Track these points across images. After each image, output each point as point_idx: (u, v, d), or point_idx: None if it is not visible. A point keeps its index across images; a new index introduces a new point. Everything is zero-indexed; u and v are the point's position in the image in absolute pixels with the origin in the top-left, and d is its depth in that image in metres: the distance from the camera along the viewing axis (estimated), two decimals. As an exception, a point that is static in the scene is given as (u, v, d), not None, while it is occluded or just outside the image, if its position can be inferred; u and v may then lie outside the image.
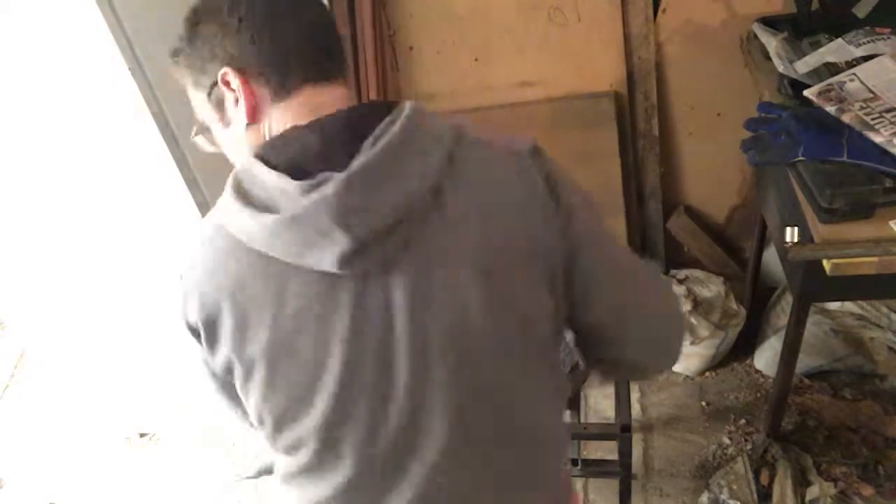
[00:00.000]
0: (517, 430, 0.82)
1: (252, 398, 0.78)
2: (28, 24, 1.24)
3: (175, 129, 1.40)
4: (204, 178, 1.49)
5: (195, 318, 0.76)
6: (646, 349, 0.90)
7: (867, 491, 1.69)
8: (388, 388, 0.74)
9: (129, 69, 1.27)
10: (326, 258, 0.68)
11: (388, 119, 0.70)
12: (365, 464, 0.78)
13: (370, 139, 0.69)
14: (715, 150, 2.04)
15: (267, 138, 0.75)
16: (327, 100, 0.75)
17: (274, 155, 0.71)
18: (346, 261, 0.68)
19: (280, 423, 0.78)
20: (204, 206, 1.50)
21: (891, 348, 1.95)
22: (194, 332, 0.79)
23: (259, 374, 0.75)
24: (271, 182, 0.69)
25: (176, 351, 1.90)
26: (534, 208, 0.74)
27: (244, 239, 0.71)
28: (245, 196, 0.70)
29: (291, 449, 0.81)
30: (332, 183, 0.66)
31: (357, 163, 0.67)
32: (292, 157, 0.70)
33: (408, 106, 0.72)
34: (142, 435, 2.33)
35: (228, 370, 0.78)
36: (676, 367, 2.14)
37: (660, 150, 2.04)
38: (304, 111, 0.74)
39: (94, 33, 1.23)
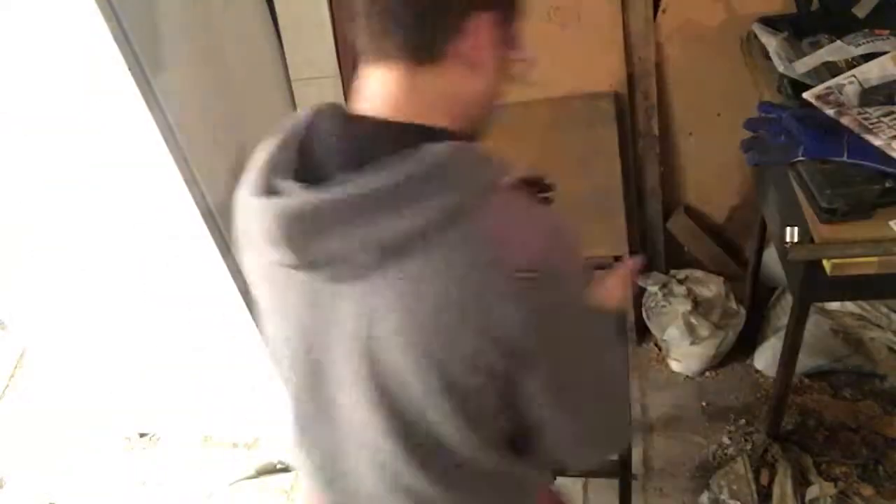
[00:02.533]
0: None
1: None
2: (28, 24, 1.24)
3: (175, 129, 1.40)
4: (204, 177, 1.49)
5: None
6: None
7: (867, 491, 1.69)
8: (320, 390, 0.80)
9: (129, 69, 1.27)
10: (270, 255, 0.69)
11: (405, 155, 0.65)
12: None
13: (365, 173, 0.65)
14: (715, 150, 2.04)
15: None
16: (376, 89, 0.71)
17: (316, 134, 0.72)
18: (295, 268, 0.69)
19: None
20: (203, 206, 1.50)
21: (891, 348, 1.95)
22: None
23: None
24: (276, 158, 0.71)
25: (176, 351, 1.90)
26: (484, 339, 0.67)
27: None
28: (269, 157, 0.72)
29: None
30: (295, 202, 0.66)
31: (330, 194, 0.64)
32: (314, 148, 0.71)
33: (438, 152, 0.65)
34: (142, 435, 2.33)
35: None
36: (676, 368, 2.14)
37: (660, 150, 2.04)
38: (357, 94, 0.72)
39: (94, 33, 1.23)
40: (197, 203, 1.48)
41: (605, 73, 1.94)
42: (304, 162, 0.70)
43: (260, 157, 0.73)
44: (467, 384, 0.69)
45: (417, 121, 0.70)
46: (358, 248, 0.65)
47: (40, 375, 2.49)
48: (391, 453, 0.76)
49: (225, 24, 1.61)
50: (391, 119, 0.69)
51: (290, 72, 1.88)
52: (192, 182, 1.46)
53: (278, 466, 2.16)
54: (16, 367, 2.67)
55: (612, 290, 0.96)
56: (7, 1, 1.22)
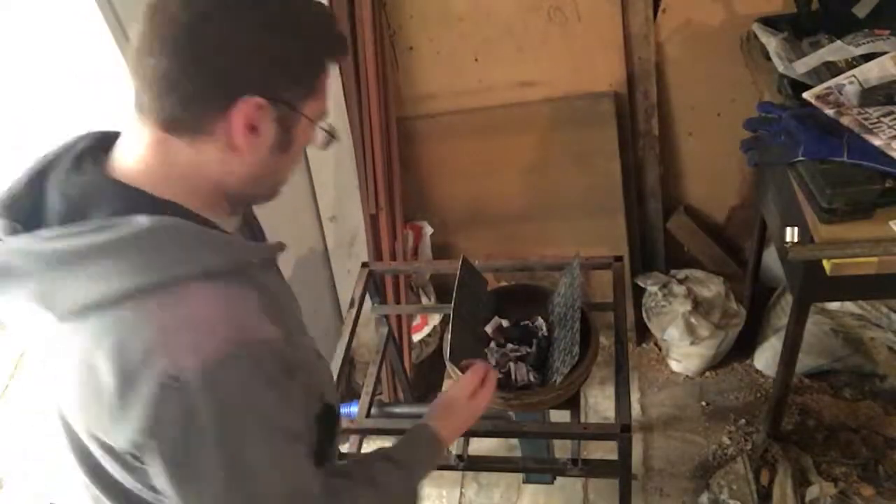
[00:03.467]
0: None
1: None
2: (28, 24, 1.24)
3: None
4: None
5: None
6: None
7: (867, 491, 1.69)
8: None
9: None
10: None
11: (111, 221, 0.65)
12: None
13: (69, 229, 0.65)
14: (715, 150, 2.04)
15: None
16: (131, 141, 0.71)
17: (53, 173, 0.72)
18: None
19: None
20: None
21: (891, 348, 1.95)
22: None
23: None
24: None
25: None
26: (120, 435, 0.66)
27: None
28: None
29: None
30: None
31: (20, 243, 0.65)
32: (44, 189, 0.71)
33: (140, 226, 0.64)
34: (142, 435, 2.33)
35: None
36: (676, 368, 2.14)
37: (660, 150, 2.04)
38: (121, 135, 0.73)
39: (93, 33, 1.23)
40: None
41: (605, 73, 1.94)
42: (35, 199, 0.70)
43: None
44: (104, 463, 0.74)
45: (156, 188, 0.68)
46: (34, 302, 0.64)
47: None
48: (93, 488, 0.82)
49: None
50: (119, 180, 0.69)
51: (290, 72, 1.88)
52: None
53: (278, 466, 2.15)
54: (16, 367, 2.67)
55: (476, 395, 1.04)
56: (7, 1, 1.22)
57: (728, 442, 1.92)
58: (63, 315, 0.64)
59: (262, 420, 0.66)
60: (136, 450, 0.65)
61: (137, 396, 0.62)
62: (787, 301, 1.99)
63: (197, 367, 0.61)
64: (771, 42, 1.54)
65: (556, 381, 1.29)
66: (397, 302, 2.08)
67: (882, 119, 1.28)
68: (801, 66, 1.45)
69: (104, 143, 0.73)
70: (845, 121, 1.30)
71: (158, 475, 0.66)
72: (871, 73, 1.36)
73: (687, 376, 2.14)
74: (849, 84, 1.36)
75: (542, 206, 2.13)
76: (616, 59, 1.91)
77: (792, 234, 1.26)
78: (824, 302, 1.94)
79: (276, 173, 0.76)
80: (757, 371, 2.10)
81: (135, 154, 0.70)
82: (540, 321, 1.49)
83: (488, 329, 1.49)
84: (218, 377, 0.62)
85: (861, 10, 1.56)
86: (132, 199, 0.67)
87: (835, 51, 1.43)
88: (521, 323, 1.51)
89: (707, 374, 2.12)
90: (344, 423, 1.55)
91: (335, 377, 1.54)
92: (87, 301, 0.63)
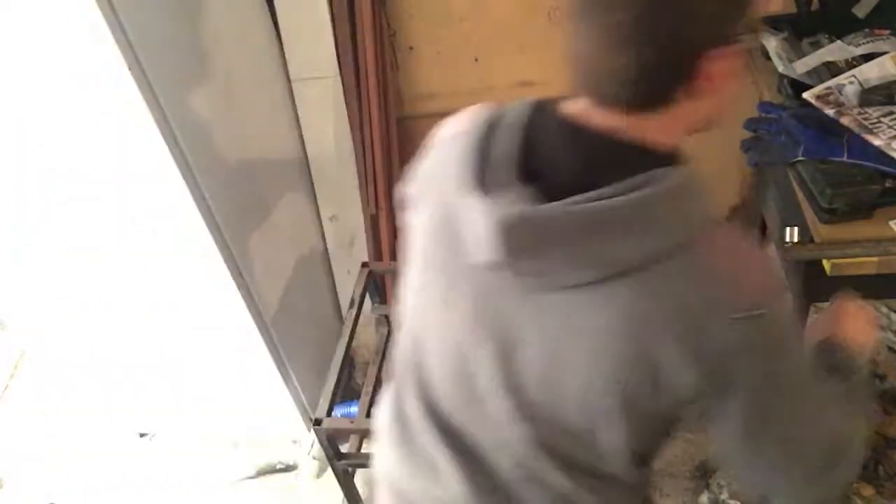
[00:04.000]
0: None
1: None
2: (28, 24, 1.24)
3: (175, 128, 1.40)
4: (203, 177, 1.49)
5: None
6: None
7: (867, 491, 1.69)
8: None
9: (129, 69, 1.27)
10: (481, 255, 0.67)
11: (638, 178, 0.64)
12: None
13: (596, 192, 0.63)
14: (715, 150, 2.03)
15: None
16: (594, 119, 0.68)
17: (542, 136, 0.70)
18: (490, 266, 0.67)
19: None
20: (203, 206, 1.50)
21: (891, 348, 1.95)
22: None
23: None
24: (501, 154, 0.68)
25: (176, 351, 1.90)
26: (698, 360, 0.66)
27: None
28: (484, 139, 0.71)
29: None
30: (512, 207, 0.64)
31: (565, 208, 0.63)
32: (540, 151, 0.69)
33: (671, 182, 0.65)
34: (142, 435, 2.33)
35: None
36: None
37: (660, 150, 2.03)
38: (571, 110, 0.70)
39: (94, 33, 1.23)
40: (197, 203, 1.48)
41: (605, 73, 1.94)
42: (527, 161, 0.68)
43: (464, 141, 0.71)
44: (650, 411, 0.70)
45: (653, 147, 0.68)
46: (571, 268, 0.65)
47: (40, 375, 2.49)
48: (533, 457, 0.77)
49: (225, 25, 1.61)
50: (623, 139, 0.67)
51: (290, 72, 1.88)
52: (191, 182, 1.46)
53: (278, 466, 2.16)
54: (16, 367, 2.67)
55: (858, 326, 0.95)
56: (7, 1, 1.22)
57: (728, 442, 1.91)
58: (596, 275, 0.65)
59: (795, 347, 0.74)
60: (704, 389, 0.67)
61: (719, 332, 0.64)
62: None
63: (756, 296, 0.66)
64: (771, 42, 1.54)
65: (555, 381, 1.29)
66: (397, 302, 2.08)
67: (882, 119, 1.28)
68: (801, 66, 1.45)
69: (558, 113, 0.71)
70: (845, 121, 1.30)
71: (729, 411, 0.69)
72: (871, 73, 1.36)
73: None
74: (849, 84, 1.35)
75: (542, 206, 2.13)
76: (616, 59, 1.91)
77: (792, 234, 1.26)
78: (824, 302, 1.94)
79: (734, 99, 0.75)
80: (757, 371, 2.09)
81: (603, 127, 0.68)
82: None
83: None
84: (769, 302, 0.67)
85: (861, 10, 1.55)
86: (645, 156, 0.67)
87: (835, 51, 1.43)
88: (521, 323, 1.51)
89: (707, 374, 2.12)
90: (344, 424, 1.55)
91: (335, 377, 1.55)
92: (634, 256, 0.64)
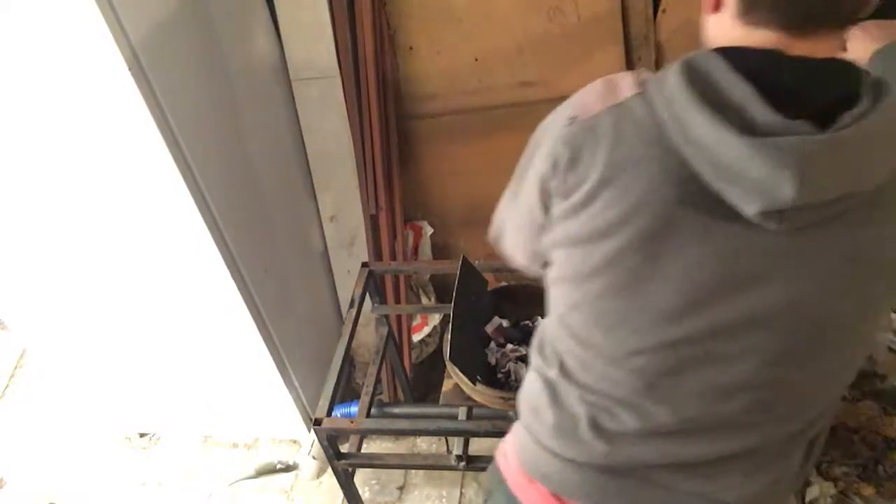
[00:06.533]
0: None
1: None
2: (28, 24, 1.24)
3: (175, 128, 1.40)
4: (203, 176, 1.49)
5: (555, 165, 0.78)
6: None
7: (867, 491, 1.70)
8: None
9: (129, 69, 1.27)
10: (752, 205, 0.67)
11: (870, 96, 0.67)
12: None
13: (850, 113, 0.66)
14: (715, 150, 2.04)
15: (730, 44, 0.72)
16: (800, 47, 0.69)
17: (742, 64, 0.68)
18: (774, 217, 0.68)
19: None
20: (203, 205, 1.50)
21: (891, 348, 1.95)
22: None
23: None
24: (746, 97, 0.66)
25: (175, 351, 1.90)
26: None
27: (671, 130, 0.70)
28: (703, 94, 0.68)
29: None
30: (812, 139, 0.64)
31: (843, 132, 0.65)
32: (769, 82, 0.67)
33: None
34: (142, 435, 2.33)
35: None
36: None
37: (660, 150, 2.04)
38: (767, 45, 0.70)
39: (94, 33, 1.23)
40: (196, 202, 1.48)
41: (605, 73, 1.94)
42: (769, 96, 0.67)
43: (676, 91, 0.70)
44: None
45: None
46: (863, 183, 0.67)
47: (40, 375, 2.49)
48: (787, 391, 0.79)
49: (225, 24, 1.61)
50: (837, 59, 0.70)
51: (290, 72, 1.88)
52: (191, 181, 1.46)
53: (278, 466, 2.16)
54: (16, 367, 2.67)
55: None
56: (7, 1, 1.22)
57: (728, 442, 1.91)
58: (869, 185, 0.68)
59: None
60: None
61: None
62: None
63: None
64: (771, 42, 1.54)
65: (555, 381, 1.29)
66: (397, 302, 2.08)
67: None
68: None
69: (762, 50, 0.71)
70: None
71: None
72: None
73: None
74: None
75: (542, 206, 2.13)
76: (616, 59, 1.91)
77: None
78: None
79: None
80: (757, 371, 2.10)
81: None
82: (540, 321, 1.49)
83: (488, 329, 1.49)
84: None
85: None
86: (854, 69, 0.70)
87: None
88: (521, 323, 1.52)
89: (707, 374, 2.12)
90: (344, 424, 1.55)
91: (335, 377, 1.55)
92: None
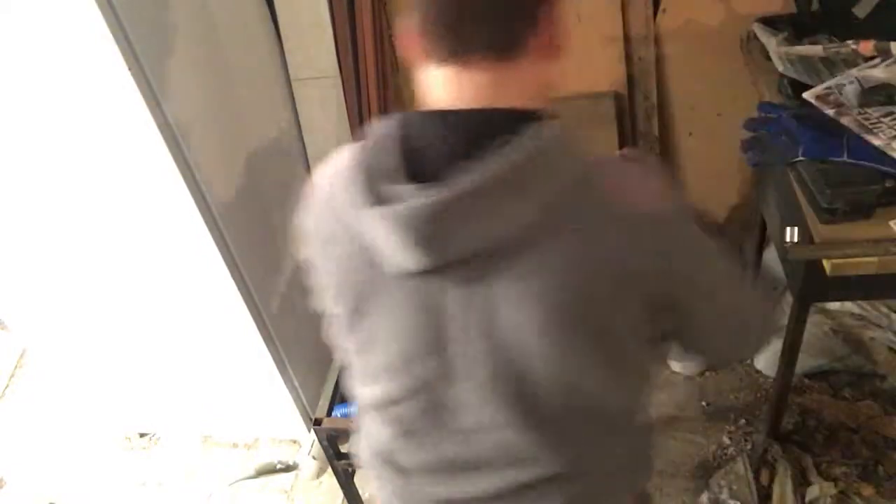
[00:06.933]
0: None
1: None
2: (28, 24, 1.24)
3: (175, 128, 1.40)
4: (203, 177, 1.49)
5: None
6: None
7: (867, 491, 1.69)
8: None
9: (129, 69, 1.27)
10: (395, 269, 0.69)
11: (515, 139, 0.65)
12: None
13: (482, 161, 0.64)
14: (715, 150, 2.04)
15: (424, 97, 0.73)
16: (457, 88, 0.69)
17: (415, 134, 0.69)
18: (418, 274, 0.68)
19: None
20: (203, 206, 1.50)
21: (891, 348, 1.95)
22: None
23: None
24: (393, 166, 0.68)
25: (174, 351, 1.90)
26: (633, 279, 0.69)
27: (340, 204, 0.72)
28: (361, 164, 0.70)
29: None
30: (415, 204, 0.64)
31: (456, 187, 0.63)
32: (418, 148, 0.68)
33: (548, 132, 0.66)
34: (142, 435, 2.33)
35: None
36: (676, 368, 2.14)
37: (660, 150, 2.04)
38: (442, 92, 0.70)
39: (94, 33, 1.23)
40: (197, 203, 1.48)
41: (605, 74, 1.94)
42: (410, 165, 0.68)
43: (345, 169, 0.71)
44: (616, 338, 0.72)
45: (521, 108, 0.69)
46: (492, 238, 0.66)
47: (40, 375, 2.49)
48: (521, 437, 0.77)
49: (225, 24, 1.61)
50: (488, 108, 0.68)
51: (290, 72, 1.88)
52: (191, 181, 1.46)
53: (278, 466, 2.16)
54: (16, 367, 2.67)
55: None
56: (7, 1, 1.22)
57: (728, 442, 1.92)
58: (517, 237, 0.66)
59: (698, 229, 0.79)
60: (658, 283, 0.71)
61: (647, 239, 0.68)
62: (788, 301, 1.99)
63: (655, 202, 0.71)
64: (771, 42, 1.54)
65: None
66: (397, 302, 2.08)
67: (882, 119, 1.28)
68: (779, 64, 1.45)
69: (425, 112, 0.72)
70: (845, 121, 1.30)
71: (682, 306, 0.75)
72: (872, 73, 1.36)
73: (687, 376, 2.13)
74: (849, 84, 1.35)
75: (542, 206, 2.13)
76: (616, 59, 1.91)
77: (792, 234, 1.26)
78: (824, 302, 1.94)
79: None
80: (757, 371, 2.10)
81: (469, 96, 0.69)
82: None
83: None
84: (666, 203, 0.73)
85: (861, 10, 1.55)
86: (514, 118, 0.67)
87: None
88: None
89: (707, 374, 2.12)
90: (344, 424, 1.55)
91: (335, 377, 1.55)
92: (542, 207, 0.65)
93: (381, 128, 0.71)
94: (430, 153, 0.67)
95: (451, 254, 0.66)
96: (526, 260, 0.67)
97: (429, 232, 0.64)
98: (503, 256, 0.67)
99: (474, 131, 0.67)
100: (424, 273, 0.67)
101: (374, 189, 0.67)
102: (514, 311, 0.69)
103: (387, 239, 0.66)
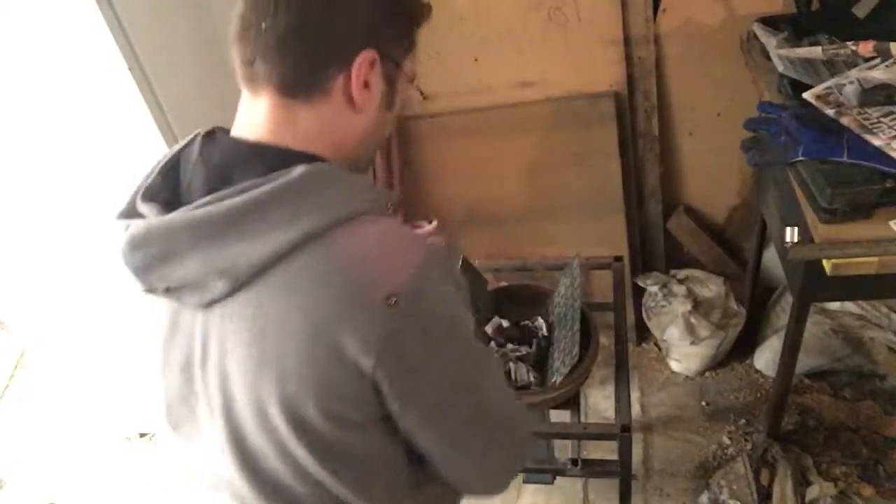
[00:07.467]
0: None
1: None
2: (28, 24, 1.24)
3: (175, 128, 1.40)
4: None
5: None
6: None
7: (867, 491, 1.69)
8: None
9: (129, 69, 1.27)
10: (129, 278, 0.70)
11: (264, 178, 0.63)
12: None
13: (217, 194, 0.63)
14: (715, 150, 2.04)
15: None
16: (251, 115, 0.70)
17: (193, 157, 0.71)
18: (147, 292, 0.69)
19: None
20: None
21: (891, 348, 1.95)
22: None
23: None
24: (159, 186, 0.71)
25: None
26: (341, 373, 0.63)
27: None
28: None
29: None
30: (143, 225, 0.66)
31: (187, 216, 0.63)
32: (189, 171, 0.70)
33: (293, 174, 0.63)
34: (142, 435, 2.33)
35: None
36: (676, 368, 2.14)
37: (660, 150, 2.04)
38: (240, 113, 0.72)
39: (94, 33, 1.23)
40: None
41: (605, 74, 1.94)
42: (172, 187, 0.69)
43: (137, 183, 0.73)
44: (321, 421, 0.64)
45: (291, 147, 0.68)
46: (206, 274, 0.63)
47: (40, 375, 2.49)
48: (245, 490, 0.75)
49: (225, 25, 1.61)
50: (256, 142, 0.68)
51: (290, 72, 1.88)
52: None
53: (278, 466, 2.16)
54: (16, 367, 2.67)
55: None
56: (7, 1, 1.22)
57: (728, 442, 1.92)
58: (234, 279, 0.63)
59: (449, 327, 0.69)
60: (373, 372, 0.63)
61: (362, 323, 0.61)
62: (787, 301, 1.99)
63: (406, 284, 0.62)
64: (771, 42, 1.54)
65: (556, 381, 1.29)
66: (397, 302, 2.08)
67: (882, 119, 1.28)
68: (779, 63, 1.45)
69: (221, 131, 0.73)
70: (845, 121, 1.30)
71: (401, 401, 0.66)
72: (872, 73, 1.36)
73: (687, 376, 2.13)
74: (849, 84, 1.35)
75: (542, 206, 2.13)
76: (616, 59, 1.91)
77: (792, 234, 1.26)
78: (824, 302, 1.94)
79: (381, 132, 0.76)
80: (757, 371, 2.10)
81: (256, 124, 0.69)
82: (540, 321, 1.49)
83: (488, 329, 1.49)
84: (423, 288, 0.64)
85: (861, 10, 1.55)
86: (277, 155, 0.66)
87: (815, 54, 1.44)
88: (521, 323, 1.52)
89: (707, 374, 2.12)
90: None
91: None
92: (263, 254, 0.62)
93: (184, 140, 0.73)
94: (195, 178, 0.68)
95: (157, 282, 0.67)
96: (240, 306, 0.64)
97: (138, 256, 0.66)
98: (229, 293, 0.64)
99: (231, 164, 0.66)
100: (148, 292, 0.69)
101: (133, 201, 0.70)
102: (229, 353, 0.66)
103: (120, 253, 0.68)
